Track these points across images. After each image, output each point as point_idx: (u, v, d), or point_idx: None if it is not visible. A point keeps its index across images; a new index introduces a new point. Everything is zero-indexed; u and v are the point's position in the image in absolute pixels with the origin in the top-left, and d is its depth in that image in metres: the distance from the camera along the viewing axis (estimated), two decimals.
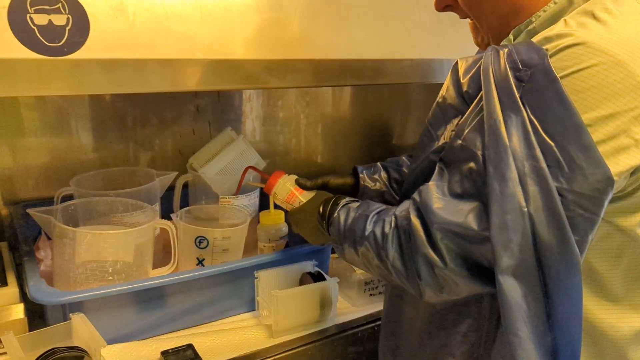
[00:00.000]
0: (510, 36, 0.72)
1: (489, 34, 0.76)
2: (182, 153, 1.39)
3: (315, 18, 0.92)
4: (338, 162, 1.67)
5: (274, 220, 1.18)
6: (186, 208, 1.16)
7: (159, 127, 1.37)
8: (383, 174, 1.04)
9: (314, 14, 0.92)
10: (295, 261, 1.10)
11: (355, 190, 1.06)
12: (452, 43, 0.99)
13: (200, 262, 1.11)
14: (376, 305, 1.13)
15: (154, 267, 1.08)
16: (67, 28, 0.71)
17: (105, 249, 0.96)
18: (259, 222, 1.21)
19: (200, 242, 1.08)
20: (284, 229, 1.21)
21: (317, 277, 1.06)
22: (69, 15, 0.70)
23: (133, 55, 0.76)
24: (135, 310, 0.96)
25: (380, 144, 1.72)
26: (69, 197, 1.15)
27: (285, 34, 0.89)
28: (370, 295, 1.15)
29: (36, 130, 1.24)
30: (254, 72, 0.88)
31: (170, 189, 1.27)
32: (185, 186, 1.31)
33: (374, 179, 1.03)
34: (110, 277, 0.97)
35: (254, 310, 1.09)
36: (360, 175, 1.03)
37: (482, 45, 0.80)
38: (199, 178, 1.26)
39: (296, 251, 1.12)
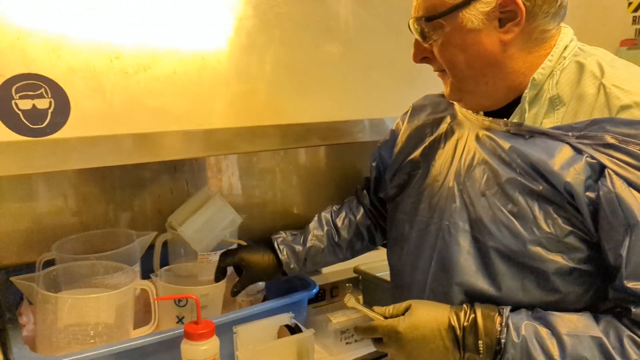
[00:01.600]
0: (526, 104, 0.78)
1: (461, 86, 0.82)
2: (161, 212, 1.43)
3: (281, 86, 0.99)
4: (314, 212, 1.65)
5: None
6: (166, 267, 1.20)
7: (138, 188, 1.41)
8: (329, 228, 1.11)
9: (280, 83, 0.99)
10: (273, 314, 1.14)
11: (278, 266, 1.11)
12: (409, 100, 1.07)
13: (180, 320, 1.14)
14: (353, 354, 1.17)
15: (135, 327, 1.10)
16: (50, 110, 0.76)
17: (87, 313, 0.99)
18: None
19: (179, 301, 1.12)
20: (261, 284, 1.25)
21: (294, 329, 1.10)
22: (52, 99, 0.77)
23: (111, 132, 0.82)
24: None
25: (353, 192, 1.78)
26: (51, 262, 1.18)
27: (254, 103, 0.96)
28: (347, 343, 1.19)
29: (17, 196, 1.28)
30: (226, 139, 0.94)
31: (151, 247, 1.31)
32: (165, 244, 1.35)
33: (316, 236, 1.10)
34: (92, 340, 0.99)
35: None
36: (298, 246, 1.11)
37: (453, 95, 0.85)
38: (178, 236, 1.29)
39: (273, 304, 1.15)
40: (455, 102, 0.91)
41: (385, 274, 1.38)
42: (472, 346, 0.75)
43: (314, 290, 1.21)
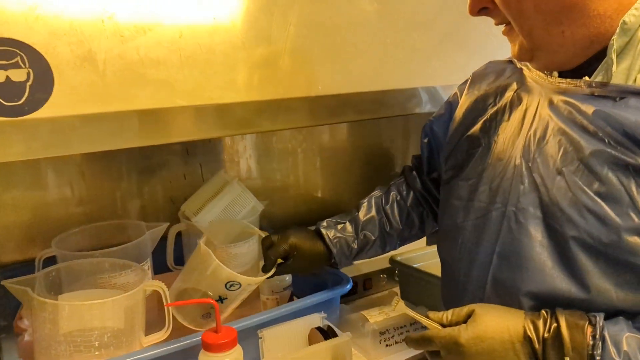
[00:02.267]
0: (613, 55, 0.63)
1: (531, 39, 0.67)
2: (174, 200, 1.30)
3: (308, 51, 0.84)
4: (340, 196, 1.58)
5: None
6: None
7: (147, 174, 1.28)
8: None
9: (306, 48, 0.84)
10: (303, 314, 1.00)
11: (327, 258, 0.99)
12: (457, 66, 0.92)
13: (222, 300, 1.00)
14: (394, 357, 1.03)
15: (148, 329, 0.98)
16: (28, 84, 0.62)
17: (90, 320, 0.86)
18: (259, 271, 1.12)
19: (231, 286, 0.98)
20: (288, 278, 1.11)
21: (327, 333, 0.96)
22: (30, 70, 0.62)
23: (106, 109, 0.67)
24: None
25: (383, 173, 1.63)
26: (52, 258, 1.06)
27: (276, 72, 0.81)
28: (387, 346, 1.05)
29: (14, 185, 1.15)
30: (244, 117, 0.79)
31: (163, 239, 1.18)
32: (179, 236, 1.22)
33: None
34: (97, 352, 0.86)
35: None
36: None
37: (522, 53, 0.70)
38: (193, 227, 1.17)
39: (302, 304, 1.02)
40: (525, 64, 0.75)
41: (422, 264, 1.24)
42: None
43: (348, 287, 1.07)
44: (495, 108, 0.78)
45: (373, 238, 1.00)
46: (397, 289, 1.29)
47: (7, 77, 0.61)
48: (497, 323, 0.64)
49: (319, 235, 1.00)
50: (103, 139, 0.69)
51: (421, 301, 1.14)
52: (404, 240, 1.05)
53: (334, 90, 0.87)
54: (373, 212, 1.01)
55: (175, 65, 0.72)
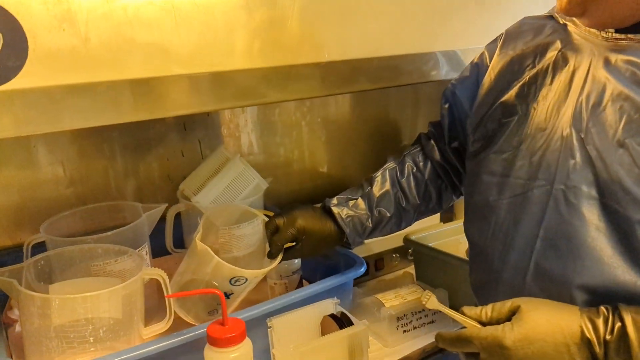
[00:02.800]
0: None
1: None
2: (171, 178, 1.22)
3: (318, 13, 0.74)
4: (347, 171, 1.50)
5: None
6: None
7: (143, 151, 1.20)
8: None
9: (316, 8, 0.74)
10: (314, 300, 0.93)
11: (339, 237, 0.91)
12: (480, 28, 0.82)
13: (227, 295, 0.92)
14: (412, 344, 0.97)
15: (148, 318, 0.91)
16: None
17: (83, 313, 0.79)
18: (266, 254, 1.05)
19: (236, 281, 0.91)
20: (297, 261, 1.04)
21: (341, 321, 0.89)
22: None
23: (90, 78, 0.58)
24: None
25: (391, 145, 1.55)
26: (42, 244, 0.98)
27: (284, 35, 0.72)
28: (404, 332, 0.98)
29: (1, 164, 1.07)
30: (249, 86, 0.70)
31: (161, 221, 1.10)
32: (178, 217, 1.14)
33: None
34: (93, 348, 0.79)
35: None
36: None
37: (572, 7, 0.60)
38: (193, 207, 1.09)
39: (314, 289, 0.94)
40: (571, 20, 0.66)
41: (438, 243, 1.17)
42: None
43: (362, 269, 0.99)
44: (534, 70, 0.69)
45: (388, 215, 0.92)
46: (411, 269, 1.22)
47: None
48: (548, 322, 0.56)
49: (329, 213, 0.92)
50: (88, 113, 0.60)
51: (437, 282, 1.08)
52: (420, 215, 0.97)
53: (346, 56, 0.77)
54: (388, 186, 0.92)
55: (169, 27, 0.62)
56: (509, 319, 0.59)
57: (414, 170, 0.94)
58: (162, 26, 0.62)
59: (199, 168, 1.13)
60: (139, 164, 1.19)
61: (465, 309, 0.62)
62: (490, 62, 0.76)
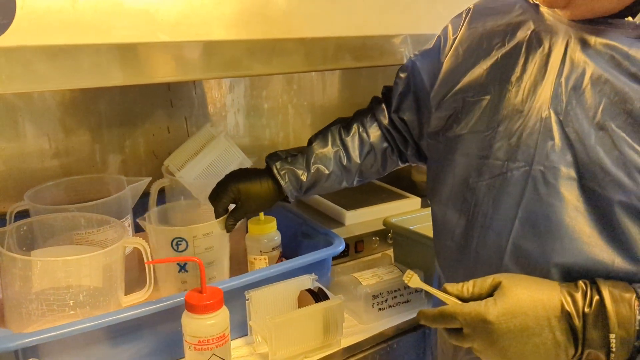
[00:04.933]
0: None
1: None
2: (157, 154, 1.23)
3: None
4: None
5: (265, 228, 1.04)
6: (157, 207, 1.02)
7: (129, 126, 1.21)
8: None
9: None
10: (292, 275, 0.95)
11: (278, 193, 0.92)
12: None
13: (182, 267, 0.95)
14: (386, 322, 0.99)
15: (129, 288, 0.92)
16: None
17: (64, 278, 0.80)
18: (247, 231, 1.06)
19: (178, 245, 0.93)
20: (277, 238, 1.05)
21: (318, 295, 0.91)
22: None
23: (77, 40, 0.59)
24: (106, 347, 0.80)
25: None
26: (25, 213, 0.99)
27: (269, 9, 0.73)
28: (380, 310, 1.00)
29: None
30: (234, 57, 0.72)
31: (145, 195, 1.11)
32: (162, 192, 1.15)
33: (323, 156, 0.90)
34: (72, 312, 0.81)
35: (246, 335, 0.94)
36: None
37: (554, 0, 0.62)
38: (177, 183, 1.10)
39: (292, 264, 0.96)
40: (553, 10, 0.67)
41: (418, 227, 1.19)
42: (599, 340, 0.54)
43: (340, 248, 1.01)
44: (504, 50, 0.69)
45: (327, 172, 0.92)
46: (390, 252, 1.24)
47: None
48: (529, 296, 0.57)
49: (267, 170, 0.93)
50: (72, 76, 0.61)
51: (416, 265, 1.10)
52: (361, 176, 0.97)
53: (331, 33, 0.79)
54: (329, 145, 0.92)
55: None
56: (490, 294, 0.60)
57: (360, 130, 0.94)
58: None
59: (185, 144, 1.14)
60: (125, 139, 1.20)
61: (447, 285, 0.63)
62: (454, 36, 0.76)
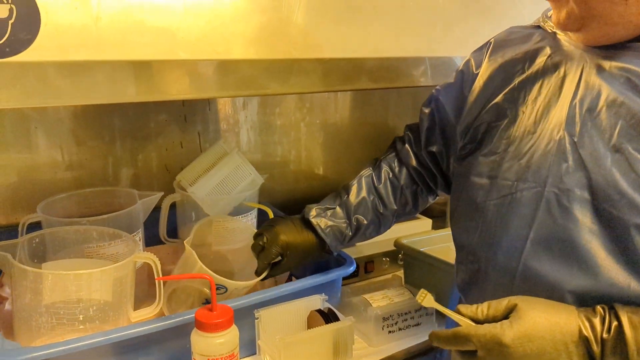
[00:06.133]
0: None
1: (586, 6, 0.59)
2: (169, 169, 1.23)
3: (323, 10, 0.76)
4: (341, 174, 1.51)
5: None
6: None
7: (142, 140, 1.21)
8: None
9: (322, 5, 0.76)
10: (302, 295, 0.94)
11: (320, 248, 0.93)
12: (480, 38, 0.84)
13: (207, 301, 0.93)
14: (396, 345, 0.98)
15: (138, 303, 0.92)
16: (10, 22, 0.55)
17: (75, 291, 0.80)
18: None
19: (217, 289, 0.91)
20: None
21: (328, 316, 0.90)
22: (12, 6, 0.55)
23: (98, 57, 0.60)
24: None
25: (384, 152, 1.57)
26: (37, 225, 0.99)
27: (288, 29, 0.73)
28: (390, 332, 0.99)
29: (1, 145, 1.08)
30: (251, 76, 0.72)
31: (156, 210, 1.12)
32: (173, 207, 1.15)
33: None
34: (82, 326, 0.80)
35: (255, 354, 0.93)
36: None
37: (570, 22, 0.62)
38: (188, 198, 1.10)
39: (302, 284, 0.95)
40: (566, 34, 0.67)
41: (429, 249, 1.18)
42: None
43: (351, 268, 1.00)
44: (523, 76, 0.70)
45: (366, 222, 0.93)
46: (400, 273, 1.23)
47: None
48: (547, 320, 0.56)
49: (308, 224, 0.93)
50: (92, 91, 0.62)
51: (426, 287, 1.08)
52: (398, 218, 0.98)
53: (348, 54, 0.79)
54: (364, 194, 0.93)
55: (178, 12, 0.64)
56: (505, 317, 0.59)
57: (390, 176, 0.95)
58: (172, 11, 0.64)
59: (197, 160, 1.14)
60: (138, 153, 1.20)
61: (461, 307, 0.62)
62: (477, 70, 0.77)
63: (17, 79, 0.56)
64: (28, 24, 0.56)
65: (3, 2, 0.54)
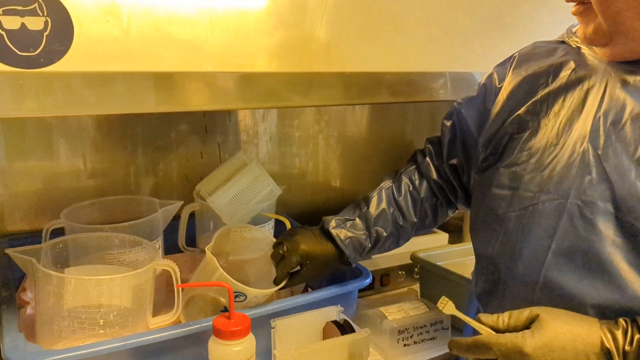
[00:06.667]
0: None
1: (614, 23, 0.60)
2: (189, 179, 1.25)
3: (345, 25, 0.78)
4: (358, 187, 1.52)
5: None
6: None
7: (163, 150, 1.23)
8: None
9: (343, 21, 0.78)
10: (318, 306, 0.95)
11: (339, 258, 0.93)
12: (499, 53, 0.85)
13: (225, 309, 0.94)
14: (411, 358, 0.98)
15: (155, 310, 0.93)
16: (45, 34, 0.57)
17: (96, 296, 0.82)
18: None
19: (236, 297, 0.92)
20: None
21: (344, 327, 0.91)
22: (48, 18, 0.57)
23: (127, 68, 0.62)
24: None
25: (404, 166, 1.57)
26: (60, 231, 1.01)
27: (311, 44, 0.75)
28: (405, 345, 0.99)
29: (25, 153, 1.11)
30: (273, 88, 0.74)
31: (175, 219, 1.13)
32: (192, 216, 1.17)
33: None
34: (102, 331, 0.82)
35: None
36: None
37: (597, 37, 0.63)
38: (207, 207, 1.12)
39: (319, 295, 0.96)
40: (591, 49, 0.68)
41: (445, 263, 1.18)
42: None
43: (367, 280, 1.01)
44: (547, 89, 0.71)
45: (385, 234, 0.93)
46: (416, 287, 1.23)
47: (23, 24, 0.56)
48: (568, 331, 0.57)
49: (328, 235, 0.94)
50: (114, 101, 0.64)
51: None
52: (417, 231, 0.98)
53: (369, 68, 0.81)
54: (384, 206, 0.94)
55: (204, 26, 0.66)
56: (526, 327, 0.59)
57: (410, 189, 0.95)
58: (198, 25, 0.66)
59: (217, 170, 1.16)
60: (159, 163, 1.22)
61: (482, 316, 0.63)
62: (500, 83, 0.78)
63: (49, 88, 0.58)
64: (62, 35, 0.58)
65: (39, 15, 0.56)
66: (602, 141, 0.63)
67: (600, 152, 0.63)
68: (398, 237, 0.95)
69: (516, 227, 0.70)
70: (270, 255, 0.94)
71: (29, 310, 0.97)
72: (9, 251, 0.83)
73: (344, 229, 0.93)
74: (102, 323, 0.82)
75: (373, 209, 0.93)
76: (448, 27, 0.87)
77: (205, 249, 0.94)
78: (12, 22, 0.55)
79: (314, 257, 0.91)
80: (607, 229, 0.61)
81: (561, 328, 0.57)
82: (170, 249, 1.14)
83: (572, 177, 0.65)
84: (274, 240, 1.04)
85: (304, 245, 0.90)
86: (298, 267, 0.92)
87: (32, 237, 1.07)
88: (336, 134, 1.44)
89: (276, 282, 0.92)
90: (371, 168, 1.52)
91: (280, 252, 0.92)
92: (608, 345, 0.55)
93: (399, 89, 0.85)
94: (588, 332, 0.56)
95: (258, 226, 1.14)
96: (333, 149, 1.45)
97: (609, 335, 0.55)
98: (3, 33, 0.55)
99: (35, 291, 0.85)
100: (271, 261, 0.95)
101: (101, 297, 0.83)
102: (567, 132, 0.66)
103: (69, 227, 1.00)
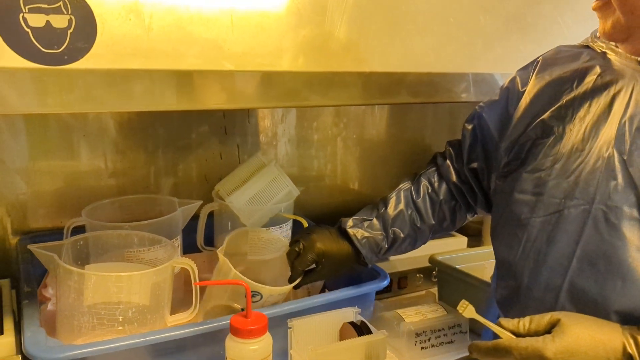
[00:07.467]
0: None
1: (633, 17, 0.59)
2: (208, 179, 1.26)
3: (366, 24, 0.78)
4: (376, 190, 1.51)
5: None
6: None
7: (183, 150, 1.24)
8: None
9: (364, 20, 0.78)
10: (335, 307, 0.95)
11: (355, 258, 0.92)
12: (521, 55, 0.84)
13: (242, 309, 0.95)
14: None
15: (173, 309, 0.94)
16: (69, 31, 0.58)
17: (115, 293, 0.83)
18: None
19: (252, 297, 0.92)
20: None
21: (361, 329, 0.90)
22: (72, 16, 0.58)
23: (149, 66, 0.63)
24: None
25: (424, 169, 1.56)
26: (81, 228, 1.03)
27: (331, 43, 0.75)
28: (422, 348, 0.98)
29: (47, 153, 1.13)
30: (293, 87, 0.74)
31: (194, 218, 1.14)
32: (211, 216, 1.18)
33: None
34: (121, 327, 0.82)
35: None
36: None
37: (616, 32, 0.62)
38: (226, 207, 1.12)
39: (336, 296, 0.96)
40: (611, 47, 0.67)
41: (464, 266, 1.17)
42: None
43: (385, 282, 1.00)
44: (572, 94, 0.70)
45: (402, 235, 0.93)
46: (434, 290, 1.22)
47: (48, 22, 0.57)
48: (590, 336, 0.56)
49: (345, 235, 0.94)
50: (138, 98, 0.64)
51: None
52: (435, 234, 0.98)
53: (388, 68, 0.80)
54: (402, 207, 0.93)
55: (225, 25, 0.67)
56: (547, 332, 0.59)
57: (429, 191, 0.94)
58: (219, 24, 0.67)
59: (236, 171, 1.17)
60: (179, 163, 1.24)
61: (502, 320, 0.62)
62: (523, 88, 0.77)
63: (72, 85, 0.59)
64: (85, 33, 0.59)
65: (63, 13, 0.57)
66: (627, 146, 0.62)
67: (625, 158, 0.62)
68: (415, 239, 0.95)
69: (541, 233, 0.69)
70: (286, 253, 0.94)
71: (50, 306, 0.98)
72: (32, 247, 0.84)
73: (361, 229, 0.92)
74: (121, 320, 0.83)
75: (391, 210, 0.93)
76: (469, 27, 0.86)
77: (217, 251, 0.95)
78: (38, 20, 0.56)
79: (330, 255, 0.90)
80: (632, 235, 0.60)
81: (583, 333, 0.56)
82: (189, 248, 1.15)
83: (597, 182, 0.64)
84: (290, 240, 1.04)
85: (320, 244, 0.90)
86: (313, 265, 0.92)
87: (54, 234, 1.09)
88: (355, 136, 1.43)
89: (291, 279, 0.92)
90: (389, 171, 1.51)
91: (296, 249, 0.92)
92: (630, 351, 0.54)
93: (419, 89, 0.84)
94: (610, 337, 0.56)
95: (276, 227, 1.15)
96: (351, 152, 1.44)
97: (631, 341, 0.55)
98: (29, 31, 0.56)
99: (56, 287, 0.86)
100: (287, 261, 0.95)
101: (120, 294, 0.83)
102: (593, 138, 0.66)
103: (89, 224, 1.01)
